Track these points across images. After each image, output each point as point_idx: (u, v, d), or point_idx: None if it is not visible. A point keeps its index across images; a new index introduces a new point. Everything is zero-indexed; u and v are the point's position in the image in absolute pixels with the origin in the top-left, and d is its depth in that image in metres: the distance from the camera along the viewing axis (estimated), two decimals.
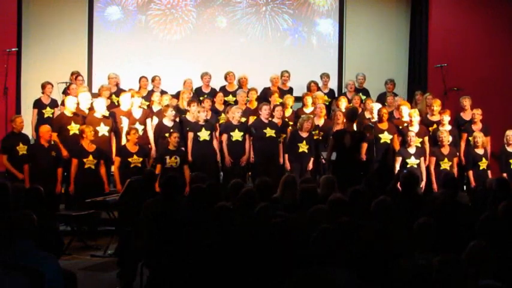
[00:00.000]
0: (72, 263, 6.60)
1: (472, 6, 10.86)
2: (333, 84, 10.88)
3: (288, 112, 9.33)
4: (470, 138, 8.71)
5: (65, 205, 8.19)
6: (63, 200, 8.26)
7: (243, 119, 8.85)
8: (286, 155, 8.59)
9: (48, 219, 5.18)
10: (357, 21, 11.60)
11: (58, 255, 4.75)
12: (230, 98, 9.81)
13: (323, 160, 8.57)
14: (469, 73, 10.46)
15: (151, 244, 5.16)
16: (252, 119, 9.02)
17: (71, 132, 8.37)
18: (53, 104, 9.40)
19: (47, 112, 9.30)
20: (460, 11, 10.90)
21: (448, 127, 8.71)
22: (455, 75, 10.35)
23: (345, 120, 8.32)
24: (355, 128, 8.02)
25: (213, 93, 9.85)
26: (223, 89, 10.03)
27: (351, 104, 9.42)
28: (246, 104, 9.44)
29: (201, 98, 9.61)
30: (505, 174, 8.24)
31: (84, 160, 7.94)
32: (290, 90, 10.22)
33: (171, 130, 8.35)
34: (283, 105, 9.27)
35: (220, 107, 9.50)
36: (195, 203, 5.19)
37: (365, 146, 8.03)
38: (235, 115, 8.63)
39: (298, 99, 10.01)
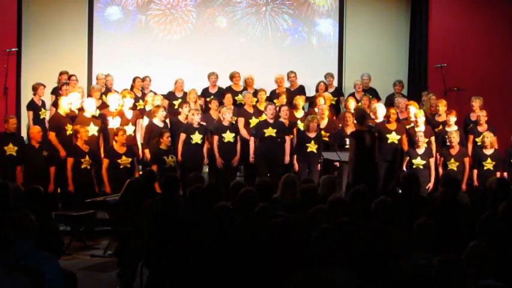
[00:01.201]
0: (72, 263, 6.60)
1: (472, 6, 10.85)
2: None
3: (299, 113, 9.30)
4: (477, 139, 8.73)
5: (62, 205, 8.19)
6: (60, 200, 8.27)
7: (235, 119, 8.87)
8: (295, 156, 8.58)
9: (48, 219, 5.17)
10: (357, 21, 11.59)
11: (58, 255, 4.75)
12: (240, 98, 9.79)
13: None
14: (469, 73, 10.45)
15: (151, 244, 5.16)
16: (261, 119, 8.99)
17: (68, 133, 8.40)
18: (44, 105, 9.44)
19: (42, 113, 9.34)
20: (460, 11, 10.90)
21: (454, 127, 8.71)
22: (455, 75, 10.35)
23: (355, 122, 8.29)
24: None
25: (220, 93, 9.84)
26: (229, 89, 10.01)
27: (359, 104, 9.42)
28: (256, 104, 9.44)
29: (207, 99, 9.63)
30: (505, 174, 8.25)
31: (82, 160, 7.98)
32: (300, 90, 10.19)
33: (163, 130, 8.34)
34: (294, 106, 9.28)
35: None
36: (195, 203, 5.19)
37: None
38: (226, 116, 8.63)
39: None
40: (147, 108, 9.29)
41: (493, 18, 10.74)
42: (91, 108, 8.56)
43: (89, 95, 9.43)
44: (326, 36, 11.65)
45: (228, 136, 8.61)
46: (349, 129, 8.48)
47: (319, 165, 8.59)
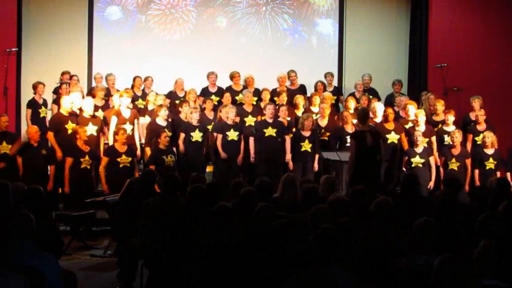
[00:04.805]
0: (72, 263, 6.60)
1: (472, 6, 10.86)
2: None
3: (300, 112, 9.27)
4: (476, 138, 8.73)
5: (64, 205, 8.20)
6: (61, 200, 8.28)
7: (238, 119, 8.85)
8: (291, 155, 8.58)
9: (48, 219, 5.17)
10: (357, 21, 11.60)
11: (58, 255, 4.75)
12: (240, 97, 9.77)
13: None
14: (469, 73, 10.47)
15: (151, 244, 5.16)
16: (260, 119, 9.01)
17: (69, 132, 8.39)
18: (45, 103, 9.47)
19: (43, 112, 9.38)
20: (460, 11, 10.91)
21: (452, 127, 8.71)
22: (455, 75, 10.36)
23: (356, 121, 8.27)
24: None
25: (219, 92, 9.85)
26: (229, 88, 10.00)
27: (359, 104, 9.41)
28: (258, 103, 9.45)
29: (207, 99, 9.63)
30: (508, 174, 8.25)
31: (81, 160, 7.98)
32: (301, 89, 10.19)
33: (164, 129, 8.34)
34: (294, 105, 9.31)
35: None
36: (195, 203, 5.19)
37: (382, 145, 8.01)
38: (229, 115, 8.64)
39: None
40: (150, 107, 9.33)
41: (493, 19, 10.75)
42: (89, 108, 8.57)
43: (93, 95, 9.42)
44: (326, 36, 11.66)
45: (232, 134, 8.62)
46: (349, 128, 8.50)
47: (315, 164, 8.56)
